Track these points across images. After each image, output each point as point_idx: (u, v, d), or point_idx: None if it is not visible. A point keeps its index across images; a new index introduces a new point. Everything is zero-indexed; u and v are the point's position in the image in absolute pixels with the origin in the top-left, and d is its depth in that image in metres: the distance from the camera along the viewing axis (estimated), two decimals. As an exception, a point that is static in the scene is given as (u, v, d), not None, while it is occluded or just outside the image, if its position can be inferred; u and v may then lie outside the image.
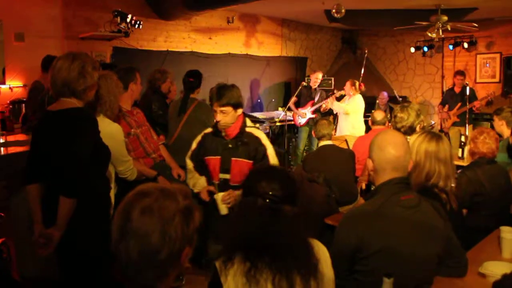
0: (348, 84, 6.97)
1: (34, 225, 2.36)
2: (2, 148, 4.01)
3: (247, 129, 3.13)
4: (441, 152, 2.44)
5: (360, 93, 7.04)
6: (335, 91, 7.41)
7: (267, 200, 1.62)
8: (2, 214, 4.25)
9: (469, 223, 2.84)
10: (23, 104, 5.33)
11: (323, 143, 4.30)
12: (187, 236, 1.25)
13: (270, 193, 1.63)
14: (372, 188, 2.07)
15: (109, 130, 2.71)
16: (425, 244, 1.90)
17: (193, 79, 4.54)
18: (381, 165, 1.98)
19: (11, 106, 5.34)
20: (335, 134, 5.26)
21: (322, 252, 1.70)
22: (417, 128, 3.44)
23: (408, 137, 2.81)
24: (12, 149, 3.95)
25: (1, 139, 4.18)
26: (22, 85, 5.65)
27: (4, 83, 5.57)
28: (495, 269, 2.08)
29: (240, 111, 3.07)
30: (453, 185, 2.54)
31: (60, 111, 2.33)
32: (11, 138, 4.49)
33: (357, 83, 6.92)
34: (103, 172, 2.54)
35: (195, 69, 4.79)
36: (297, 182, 1.77)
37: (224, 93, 2.99)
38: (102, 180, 2.52)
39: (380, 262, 1.84)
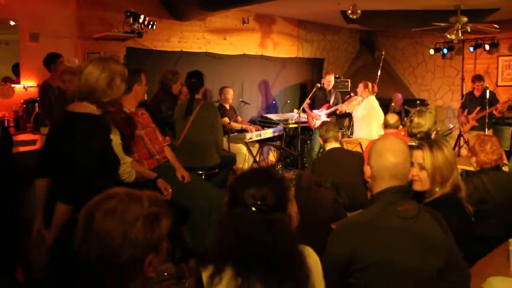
0: (360, 86, 6.87)
1: (34, 219, 2.35)
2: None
3: None
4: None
5: (375, 95, 6.92)
6: (352, 94, 7.30)
7: (258, 211, 1.49)
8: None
9: (478, 233, 2.71)
10: (36, 104, 5.38)
11: (330, 145, 4.20)
12: (151, 243, 1.23)
13: (260, 202, 1.49)
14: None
15: None
16: (423, 257, 1.79)
17: (195, 79, 4.48)
18: (379, 172, 1.89)
19: (24, 106, 5.39)
20: (342, 137, 5.13)
21: (313, 261, 1.60)
22: (432, 135, 3.33)
23: None
24: (20, 149, 3.97)
25: (9, 139, 4.19)
26: (36, 85, 5.69)
27: (18, 82, 5.63)
28: (500, 286, 1.96)
29: None
30: (463, 194, 2.46)
31: (76, 114, 2.29)
32: (20, 137, 4.52)
33: (370, 85, 6.80)
34: (110, 180, 2.48)
35: (196, 69, 4.69)
36: (284, 181, 1.62)
37: None
38: (108, 187, 2.47)
39: (375, 275, 1.74)
